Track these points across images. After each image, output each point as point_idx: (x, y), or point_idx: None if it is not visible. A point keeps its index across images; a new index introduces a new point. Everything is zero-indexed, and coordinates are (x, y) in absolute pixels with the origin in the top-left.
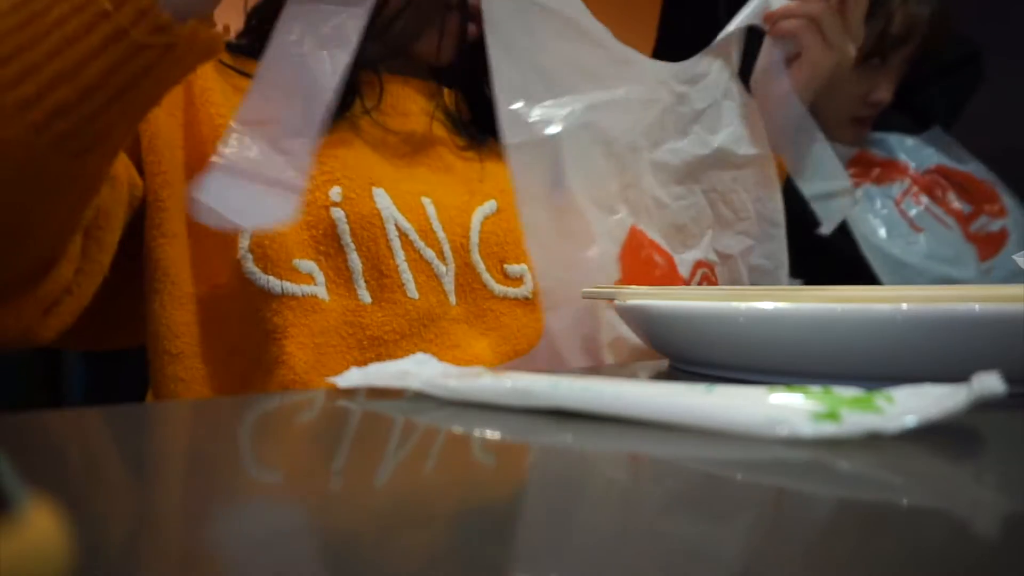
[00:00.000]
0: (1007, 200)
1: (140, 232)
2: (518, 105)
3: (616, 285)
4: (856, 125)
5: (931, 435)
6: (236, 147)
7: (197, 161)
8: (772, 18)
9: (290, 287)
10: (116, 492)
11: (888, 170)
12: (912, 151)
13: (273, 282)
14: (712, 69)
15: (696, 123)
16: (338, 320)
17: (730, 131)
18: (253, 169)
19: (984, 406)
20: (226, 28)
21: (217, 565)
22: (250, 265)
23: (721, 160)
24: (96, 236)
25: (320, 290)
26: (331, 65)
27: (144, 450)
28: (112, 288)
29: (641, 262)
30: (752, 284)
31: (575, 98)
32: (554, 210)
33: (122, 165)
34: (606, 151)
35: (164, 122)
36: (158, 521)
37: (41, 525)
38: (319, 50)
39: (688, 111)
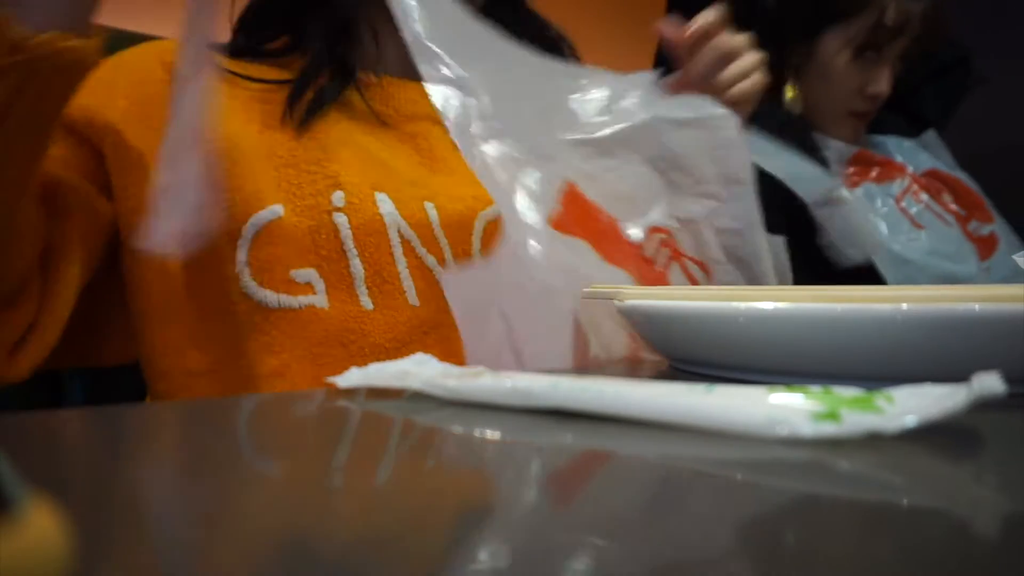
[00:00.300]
0: (992, 209)
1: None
2: (436, 48)
3: (615, 286)
4: (853, 119)
5: (931, 435)
6: (161, 180)
7: None
8: (680, 91)
9: (287, 300)
10: (116, 492)
11: (887, 169)
12: (908, 153)
13: (270, 296)
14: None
15: (619, 103)
16: (339, 328)
17: (657, 107)
18: (172, 196)
19: (984, 406)
20: (101, 31)
21: (217, 565)
22: (247, 279)
23: (658, 128)
24: (53, 273)
25: (319, 299)
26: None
27: (144, 450)
28: (99, 309)
29: (584, 209)
30: (724, 246)
31: (489, 57)
32: (483, 137)
33: (72, 196)
34: (527, 108)
35: (137, 140)
36: (158, 521)
37: (41, 525)
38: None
39: (590, 101)
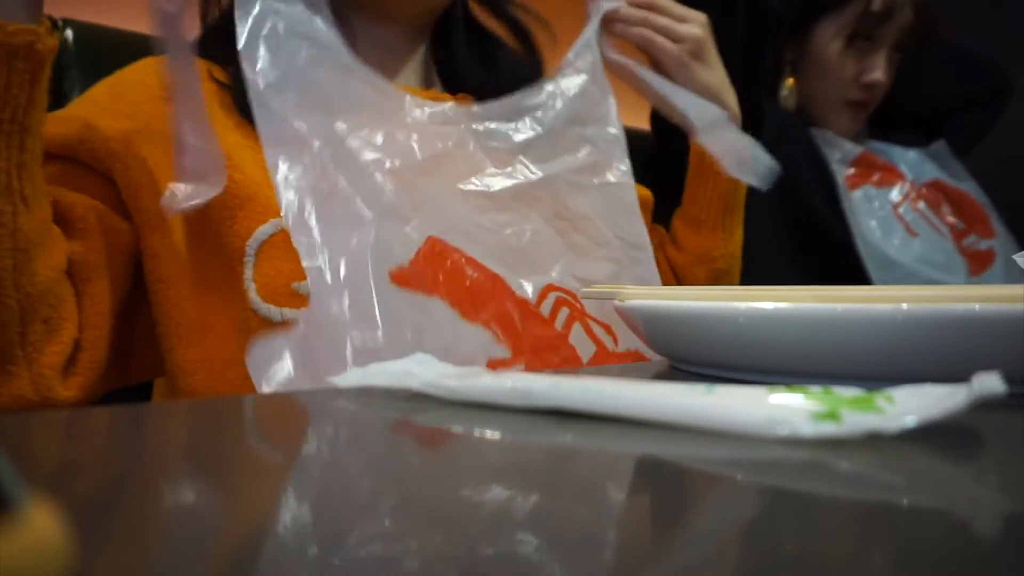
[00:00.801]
0: (996, 224)
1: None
2: (276, 104)
3: (615, 286)
4: (851, 109)
5: (931, 435)
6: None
7: None
8: (611, 21)
9: (289, 313)
10: (116, 492)
11: (888, 175)
12: (913, 164)
13: (273, 310)
14: (552, 97)
15: (520, 155)
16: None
17: (573, 159)
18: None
19: (984, 406)
20: (52, 23)
21: (216, 565)
22: (253, 295)
23: (562, 188)
24: (84, 290)
25: None
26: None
27: (144, 450)
28: (130, 330)
29: (444, 266)
30: None
31: (340, 117)
32: (320, 197)
33: (90, 216)
34: (380, 168)
35: (144, 160)
36: (158, 521)
37: (41, 525)
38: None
39: (502, 145)
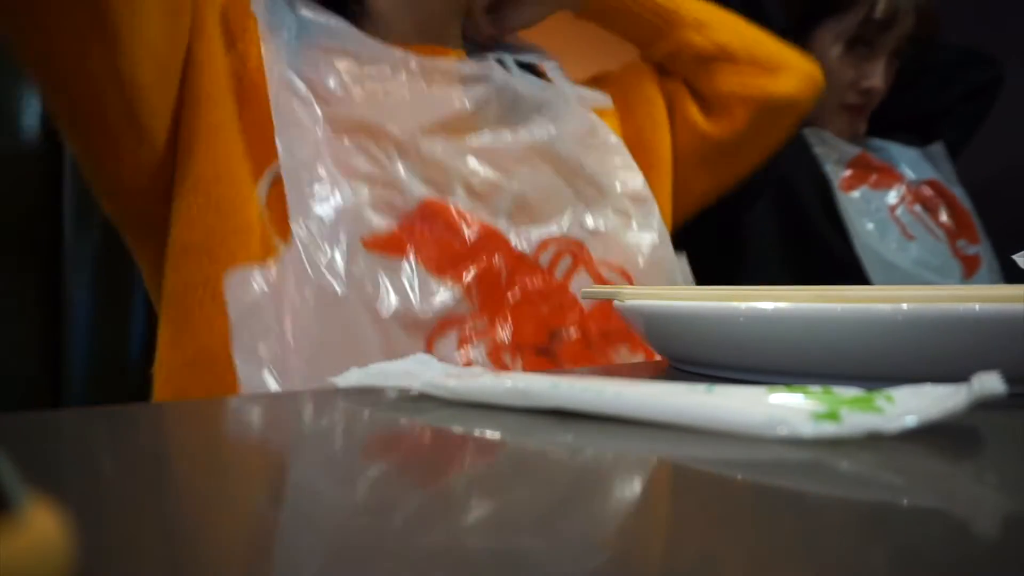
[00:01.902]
0: (980, 231)
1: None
2: (287, 91)
3: (615, 286)
4: (847, 113)
5: (931, 435)
6: None
7: (248, 108)
8: None
9: (284, 250)
10: (116, 492)
11: (885, 176)
12: (912, 162)
13: (277, 240)
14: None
15: (537, 113)
16: None
17: (580, 122)
18: None
19: (984, 406)
20: None
21: (215, 566)
22: (264, 209)
23: (575, 144)
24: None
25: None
26: None
27: (144, 450)
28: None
29: (439, 227)
30: (641, 256)
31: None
32: (314, 162)
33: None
34: (385, 136)
35: (212, 71)
36: (157, 521)
37: (41, 525)
38: None
39: (525, 104)
